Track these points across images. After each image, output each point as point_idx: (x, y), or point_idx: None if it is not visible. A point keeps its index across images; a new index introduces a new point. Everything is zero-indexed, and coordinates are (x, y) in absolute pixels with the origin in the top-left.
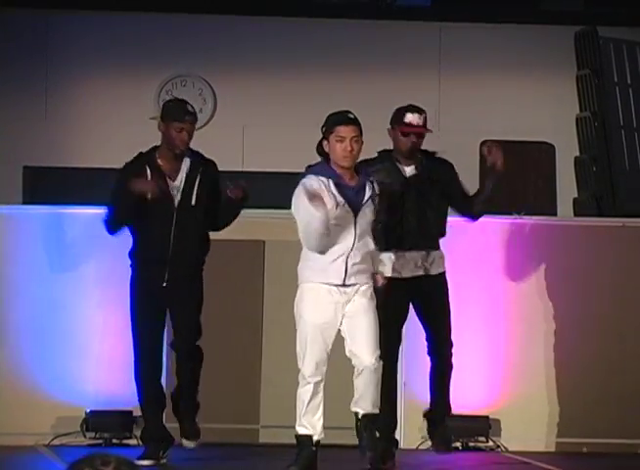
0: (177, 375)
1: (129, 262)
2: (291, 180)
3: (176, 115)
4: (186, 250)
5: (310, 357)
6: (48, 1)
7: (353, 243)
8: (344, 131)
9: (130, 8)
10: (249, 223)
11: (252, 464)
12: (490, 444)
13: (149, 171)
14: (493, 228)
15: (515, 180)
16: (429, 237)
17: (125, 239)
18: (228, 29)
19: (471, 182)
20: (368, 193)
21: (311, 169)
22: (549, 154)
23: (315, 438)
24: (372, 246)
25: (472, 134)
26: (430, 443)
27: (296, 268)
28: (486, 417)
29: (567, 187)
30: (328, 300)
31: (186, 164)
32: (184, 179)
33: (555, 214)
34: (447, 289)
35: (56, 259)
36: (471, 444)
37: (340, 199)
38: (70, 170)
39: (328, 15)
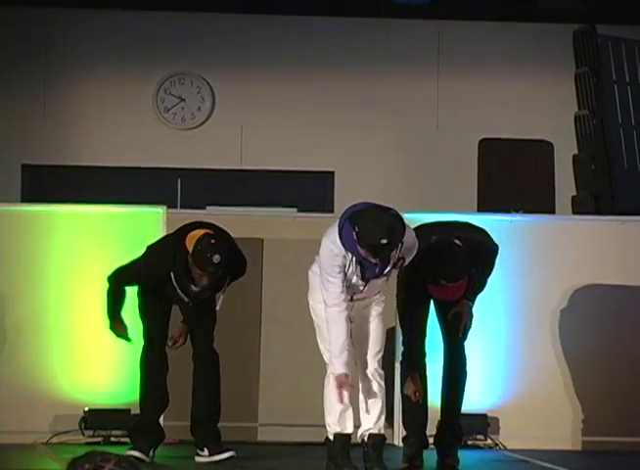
0: (196, 383)
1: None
2: (288, 179)
3: (201, 263)
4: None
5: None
6: (48, 0)
7: (361, 293)
8: (374, 259)
9: (129, 7)
10: (247, 221)
11: (251, 462)
12: (489, 442)
13: (173, 279)
14: (492, 226)
15: (513, 178)
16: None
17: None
18: (227, 28)
19: (469, 181)
20: (387, 269)
21: (343, 241)
22: (547, 152)
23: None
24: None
25: (470, 132)
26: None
27: (294, 266)
28: (485, 415)
29: (565, 185)
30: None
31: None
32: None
33: (553, 212)
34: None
35: (54, 258)
36: (469, 442)
37: (357, 272)
38: (69, 169)
39: (327, 13)
